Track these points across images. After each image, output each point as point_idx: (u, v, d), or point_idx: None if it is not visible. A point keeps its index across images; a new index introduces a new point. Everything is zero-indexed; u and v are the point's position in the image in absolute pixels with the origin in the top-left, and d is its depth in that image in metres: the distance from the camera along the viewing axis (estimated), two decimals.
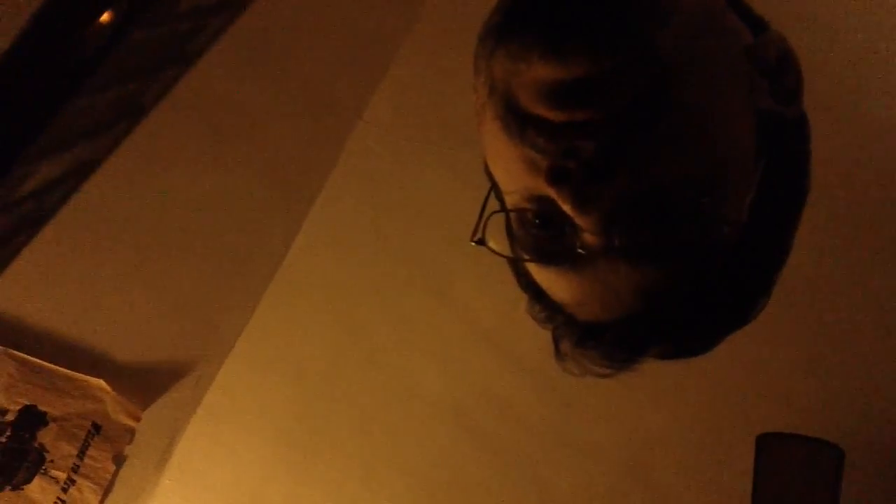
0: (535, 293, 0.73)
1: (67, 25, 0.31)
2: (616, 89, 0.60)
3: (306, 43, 1.70)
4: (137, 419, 1.74)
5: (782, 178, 0.69)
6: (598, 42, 0.60)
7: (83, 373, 1.71)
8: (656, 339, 0.68)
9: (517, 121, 0.63)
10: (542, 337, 0.74)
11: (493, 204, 0.71)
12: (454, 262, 1.72)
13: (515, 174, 0.65)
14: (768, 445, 1.65)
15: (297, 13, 1.65)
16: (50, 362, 1.69)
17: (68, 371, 1.70)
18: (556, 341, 0.73)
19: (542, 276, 0.70)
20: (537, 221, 0.66)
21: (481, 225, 0.68)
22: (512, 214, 0.69)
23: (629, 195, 0.61)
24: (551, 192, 0.62)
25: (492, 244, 0.69)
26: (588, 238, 0.63)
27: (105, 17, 0.31)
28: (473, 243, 0.68)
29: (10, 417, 1.68)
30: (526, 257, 0.69)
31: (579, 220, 0.62)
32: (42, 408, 1.70)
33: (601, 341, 0.69)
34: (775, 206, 0.68)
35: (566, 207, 0.62)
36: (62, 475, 1.70)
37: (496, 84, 0.65)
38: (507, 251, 0.72)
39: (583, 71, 0.60)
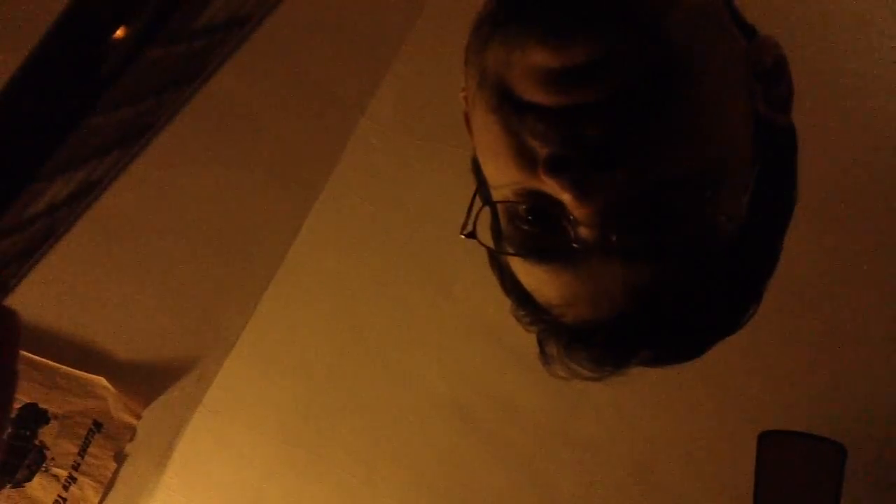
0: (520, 296, 0.71)
1: (83, 41, 0.30)
2: (618, 73, 0.58)
3: (309, 40, 1.69)
4: (139, 417, 1.74)
5: (772, 187, 0.68)
6: (600, 28, 0.58)
7: (84, 370, 1.70)
8: (645, 342, 0.67)
9: (514, 110, 0.61)
10: None
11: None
12: (456, 258, 1.71)
13: (508, 167, 0.63)
14: (770, 443, 1.65)
15: (300, 10, 1.64)
16: (51, 360, 1.69)
17: (69, 368, 1.70)
18: (542, 344, 0.71)
19: (530, 275, 0.69)
20: (529, 217, 0.65)
21: (471, 218, 0.67)
22: (500, 211, 0.67)
23: (630, 187, 0.60)
24: (547, 183, 0.60)
25: (482, 238, 0.67)
26: (584, 232, 0.62)
27: (119, 32, 0.31)
28: (464, 236, 0.67)
29: (11, 415, 1.68)
30: (510, 251, 0.68)
31: (577, 212, 0.61)
32: (43, 405, 1.70)
33: (589, 344, 0.67)
34: (765, 215, 0.68)
35: (565, 197, 0.60)
36: (63, 473, 1.70)
37: (487, 74, 0.63)
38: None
39: (584, 56, 0.58)
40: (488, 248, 0.71)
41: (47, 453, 1.69)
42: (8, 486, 1.67)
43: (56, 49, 0.31)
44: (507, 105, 0.61)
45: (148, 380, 1.74)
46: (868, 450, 1.65)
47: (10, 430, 1.67)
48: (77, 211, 0.38)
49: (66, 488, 1.69)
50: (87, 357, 1.70)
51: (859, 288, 1.70)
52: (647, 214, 0.61)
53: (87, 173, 0.36)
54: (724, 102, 0.64)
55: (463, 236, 0.67)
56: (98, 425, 1.72)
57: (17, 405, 1.68)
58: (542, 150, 0.60)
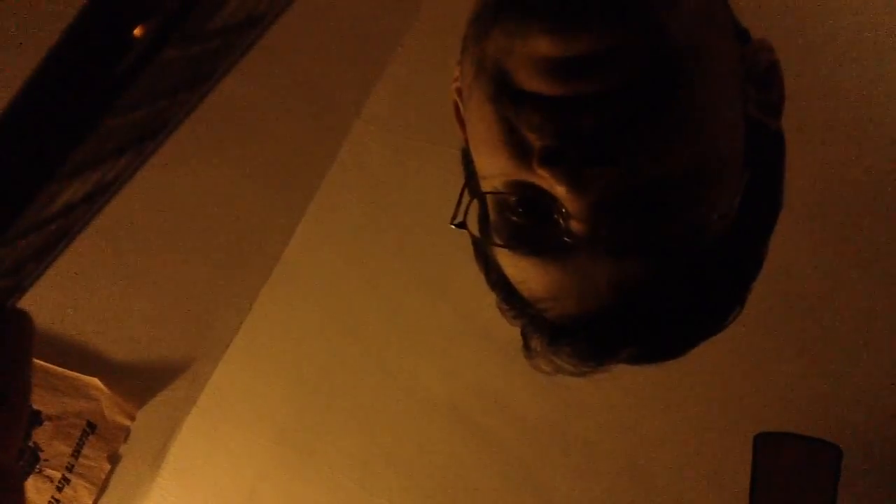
0: (505, 289, 0.71)
1: (102, 40, 0.30)
2: (619, 66, 0.58)
3: (304, 41, 1.69)
4: (132, 418, 1.74)
5: (760, 191, 0.68)
6: (603, 18, 0.58)
7: (78, 371, 1.70)
8: (630, 339, 0.67)
9: (512, 100, 0.60)
10: None
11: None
12: (452, 258, 1.71)
13: (501, 158, 0.63)
14: (766, 445, 1.65)
15: (295, 10, 1.64)
16: (44, 361, 1.68)
17: (63, 369, 1.69)
18: (526, 338, 0.72)
19: (517, 268, 0.68)
20: (520, 209, 0.64)
21: (462, 208, 0.67)
22: (490, 202, 0.67)
23: (625, 183, 0.60)
24: (540, 175, 0.60)
25: (472, 230, 0.67)
26: (575, 226, 0.62)
27: (138, 31, 0.30)
28: (454, 226, 0.66)
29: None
30: (499, 242, 0.67)
31: (571, 205, 0.61)
32: (36, 406, 1.69)
33: (573, 339, 0.67)
34: (753, 218, 0.68)
35: (559, 189, 0.59)
36: (57, 474, 1.69)
37: (486, 63, 0.62)
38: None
39: (587, 48, 0.58)
40: (475, 240, 0.70)
41: (41, 454, 1.69)
42: None
43: (73, 49, 0.31)
44: (505, 94, 0.61)
45: (142, 381, 1.74)
46: (864, 451, 1.65)
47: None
48: (91, 212, 0.38)
49: (59, 490, 1.69)
50: (81, 358, 1.70)
51: (855, 289, 1.70)
52: (639, 210, 0.61)
53: (102, 174, 0.36)
54: (720, 103, 0.64)
55: (453, 226, 0.67)
56: (92, 426, 1.71)
57: None
58: (537, 142, 0.60)
